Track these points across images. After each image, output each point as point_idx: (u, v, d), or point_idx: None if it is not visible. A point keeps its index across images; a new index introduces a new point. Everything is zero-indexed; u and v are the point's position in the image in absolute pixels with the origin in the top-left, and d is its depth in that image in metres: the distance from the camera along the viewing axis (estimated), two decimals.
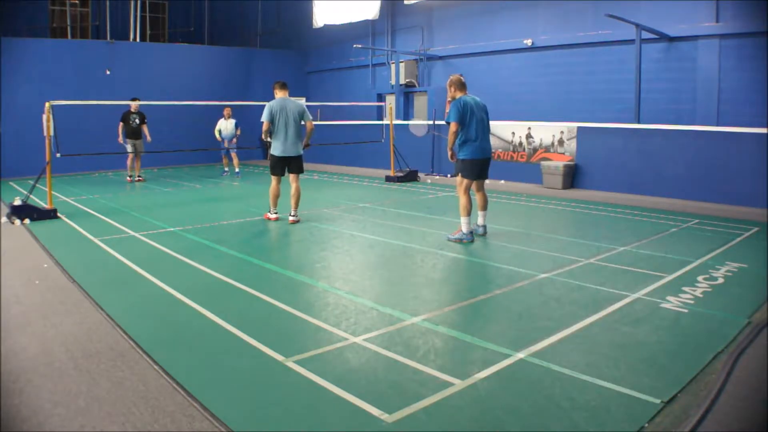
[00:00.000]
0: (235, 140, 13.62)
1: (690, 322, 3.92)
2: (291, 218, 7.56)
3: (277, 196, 7.67)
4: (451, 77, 6.39)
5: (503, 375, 3.09)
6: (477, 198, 6.70)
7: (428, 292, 4.67)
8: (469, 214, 6.25)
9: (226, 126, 13.49)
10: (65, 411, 2.70)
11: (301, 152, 7.60)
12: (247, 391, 2.92)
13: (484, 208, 6.69)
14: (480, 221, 6.68)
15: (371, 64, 17.83)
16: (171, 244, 6.32)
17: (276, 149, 7.45)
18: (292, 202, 7.55)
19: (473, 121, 6.19)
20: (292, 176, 7.59)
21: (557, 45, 13.04)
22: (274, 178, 7.63)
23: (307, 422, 2.63)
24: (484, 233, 6.67)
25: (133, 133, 12.46)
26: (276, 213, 7.76)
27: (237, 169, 13.89)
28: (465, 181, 6.33)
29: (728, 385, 2.93)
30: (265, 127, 7.34)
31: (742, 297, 4.44)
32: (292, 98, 7.66)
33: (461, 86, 6.31)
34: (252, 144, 18.85)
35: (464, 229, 6.30)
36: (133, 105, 12.35)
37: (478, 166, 6.34)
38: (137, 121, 12.46)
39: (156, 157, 15.24)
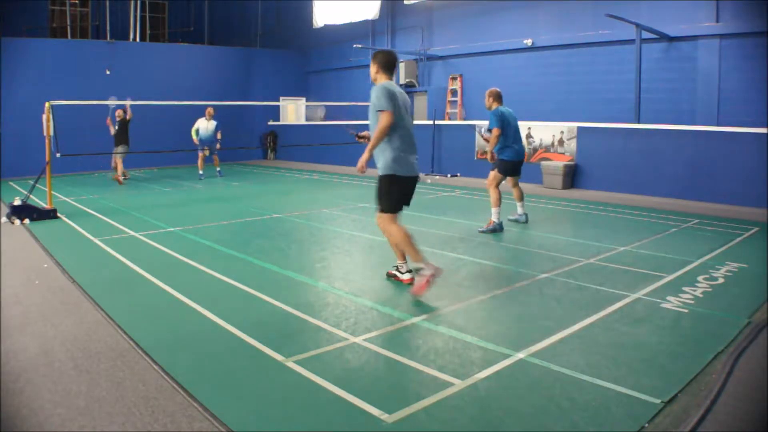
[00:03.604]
0: (218, 145, 13.27)
1: (690, 322, 3.92)
2: (407, 276, 4.75)
3: (411, 237, 4.51)
4: (491, 89, 7.16)
5: (503, 375, 3.09)
6: (514, 192, 7.48)
7: (428, 292, 4.67)
8: (499, 205, 6.97)
9: (206, 127, 13.06)
10: (65, 411, 2.70)
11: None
12: (247, 391, 2.92)
13: (521, 199, 7.50)
14: (520, 211, 7.51)
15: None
16: (171, 244, 6.32)
17: (400, 165, 4.46)
18: (398, 249, 4.78)
19: (509, 129, 7.00)
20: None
21: (557, 45, 13.05)
22: (390, 219, 4.57)
23: (307, 422, 2.63)
24: (526, 221, 7.49)
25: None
26: (428, 266, 4.37)
27: (218, 168, 13.66)
28: (498, 176, 7.08)
29: (728, 385, 2.93)
30: (389, 119, 4.30)
31: (742, 297, 4.44)
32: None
33: (498, 98, 7.08)
34: (252, 144, 18.92)
35: (495, 219, 6.95)
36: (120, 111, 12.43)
37: (515, 166, 7.19)
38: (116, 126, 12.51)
39: (156, 157, 15.26)
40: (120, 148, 12.47)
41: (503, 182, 7.14)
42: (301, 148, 17.07)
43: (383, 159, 4.48)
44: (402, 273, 4.80)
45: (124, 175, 12.91)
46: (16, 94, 14.30)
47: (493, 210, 6.95)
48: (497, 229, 6.91)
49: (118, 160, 12.71)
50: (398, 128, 4.43)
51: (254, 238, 6.89)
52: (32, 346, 3.49)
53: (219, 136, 13.30)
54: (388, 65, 4.62)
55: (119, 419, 2.63)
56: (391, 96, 4.38)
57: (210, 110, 13.10)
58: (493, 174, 7.07)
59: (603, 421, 2.62)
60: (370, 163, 4.50)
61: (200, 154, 13.48)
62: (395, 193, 4.53)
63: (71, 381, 3.01)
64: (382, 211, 4.59)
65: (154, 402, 2.78)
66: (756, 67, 9.95)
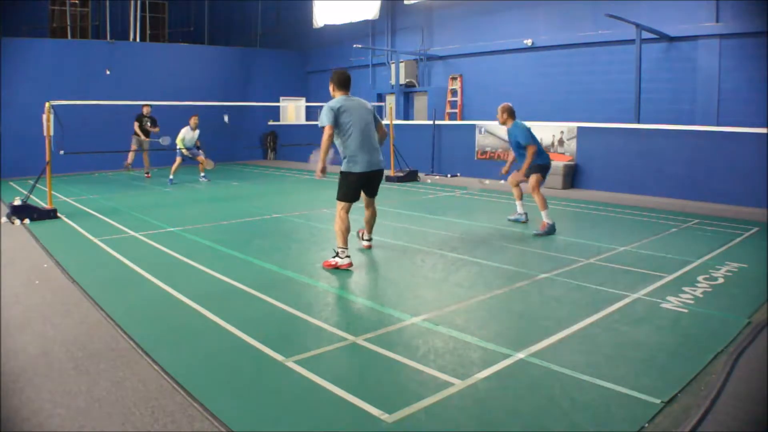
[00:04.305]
0: (200, 152, 12.96)
1: (690, 322, 3.92)
2: (366, 243, 6.09)
3: (347, 231, 5.41)
4: (504, 105, 7.26)
5: (503, 375, 3.09)
6: (516, 191, 7.59)
7: (428, 292, 4.67)
8: (546, 207, 7.00)
9: (192, 137, 12.69)
10: (65, 411, 2.70)
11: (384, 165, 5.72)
12: (247, 391, 2.92)
13: (521, 197, 7.64)
14: (520, 210, 7.61)
15: (371, 64, 17.83)
16: (171, 245, 6.32)
17: (354, 164, 5.37)
18: (368, 225, 6.05)
19: (536, 140, 7.18)
20: (367, 201, 5.80)
21: (557, 45, 13.04)
22: (342, 207, 5.44)
23: (307, 422, 2.63)
24: (526, 220, 7.56)
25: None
26: (349, 257, 5.31)
27: (202, 173, 13.30)
28: (539, 178, 7.14)
29: (728, 385, 2.93)
30: (327, 132, 5.23)
31: (742, 297, 4.44)
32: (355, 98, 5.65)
33: (513, 113, 7.24)
34: (252, 144, 18.93)
35: (548, 220, 6.93)
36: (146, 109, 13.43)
37: (547, 168, 7.32)
38: (148, 123, 13.55)
39: (156, 156, 15.23)
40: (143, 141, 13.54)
41: (504, 182, 7.13)
42: (301, 148, 17.06)
43: (342, 159, 5.47)
44: (341, 257, 5.30)
45: (126, 167, 13.68)
46: (16, 94, 14.28)
47: (543, 213, 6.94)
48: (552, 231, 6.83)
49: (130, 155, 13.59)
50: (348, 135, 5.34)
51: (254, 238, 6.89)
52: (32, 346, 3.49)
53: (198, 144, 12.99)
54: (342, 83, 5.60)
55: (119, 419, 2.63)
56: (331, 112, 5.28)
57: (195, 120, 12.65)
58: (534, 178, 7.07)
59: (603, 421, 2.62)
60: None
61: (178, 158, 12.93)
62: (346, 187, 5.46)
63: (71, 381, 3.01)
64: (337, 198, 5.51)
65: (154, 402, 2.79)
66: (756, 67, 9.95)
